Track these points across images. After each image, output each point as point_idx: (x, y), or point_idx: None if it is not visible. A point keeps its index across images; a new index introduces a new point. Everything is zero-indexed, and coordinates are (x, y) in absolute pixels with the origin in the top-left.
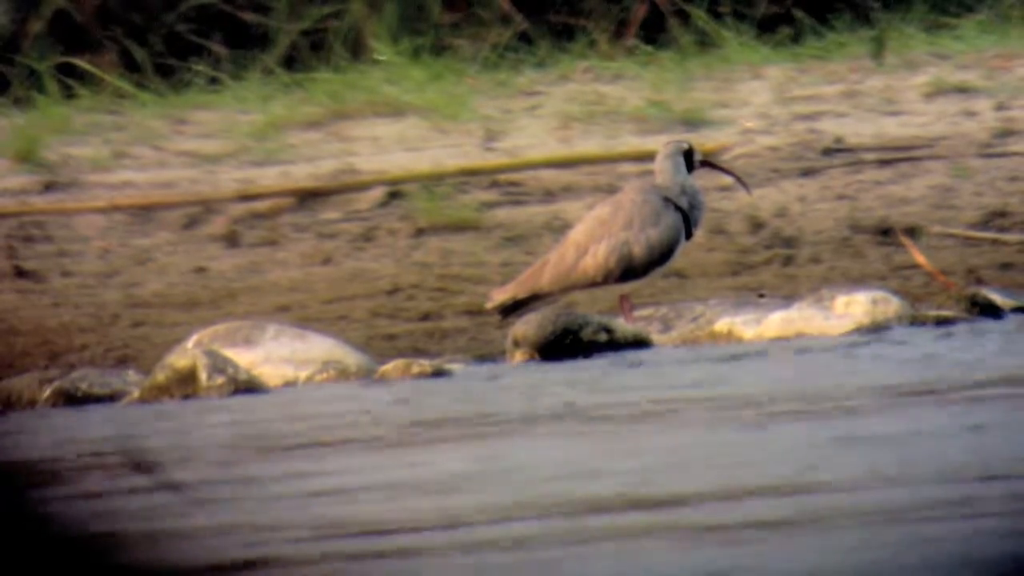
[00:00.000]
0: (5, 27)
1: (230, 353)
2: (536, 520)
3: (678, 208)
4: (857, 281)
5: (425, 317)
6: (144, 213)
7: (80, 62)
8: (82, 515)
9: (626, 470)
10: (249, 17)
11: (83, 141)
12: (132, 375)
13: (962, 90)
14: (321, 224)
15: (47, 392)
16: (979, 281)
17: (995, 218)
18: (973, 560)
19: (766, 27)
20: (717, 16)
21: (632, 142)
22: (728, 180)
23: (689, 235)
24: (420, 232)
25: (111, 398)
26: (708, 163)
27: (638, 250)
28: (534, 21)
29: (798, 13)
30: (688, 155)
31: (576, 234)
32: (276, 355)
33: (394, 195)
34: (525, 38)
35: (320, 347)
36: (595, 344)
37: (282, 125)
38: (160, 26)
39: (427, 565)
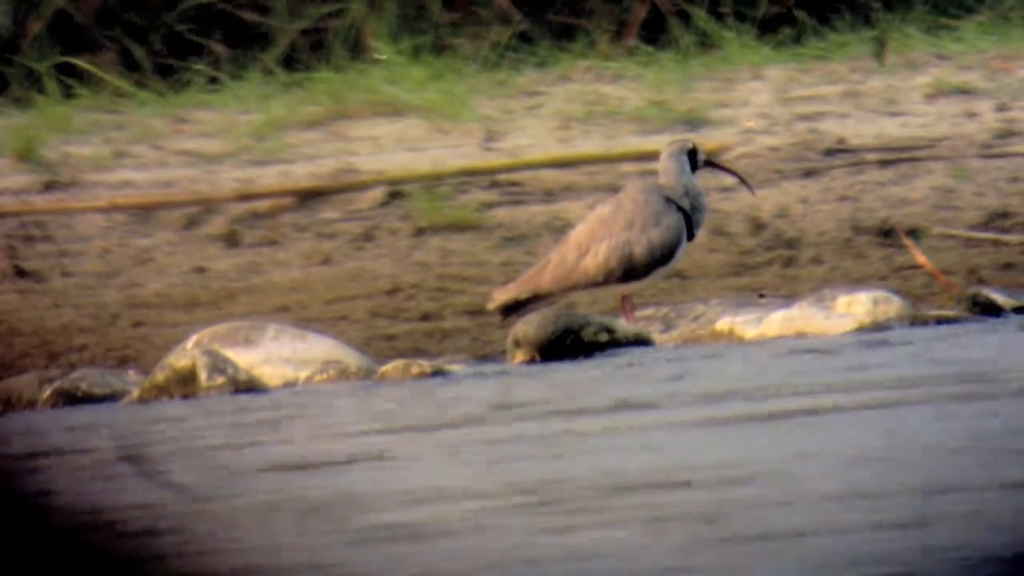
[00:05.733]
0: (5, 27)
1: (230, 353)
2: None
3: (680, 208)
4: (858, 282)
5: (425, 317)
6: (144, 213)
7: (80, 62)
8: (81, 515)
9: None
10: (249, 17)
11: (83, 141)
12: (132, 375)
13: (963, 91)
14: (321, 224)
15: (47, 392)
16: (980, 281)
17: (996, 219)
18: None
19: (767, 27)
20: (718, 16)
21: (632, 142)
22: (730, 180)
23: (691, 236)
24: (420, 232)
25: (111, 398)
26: (712, 163)
27: (639, 250)
28: (534, 21)
29: (799, 13)
30: (692, 155)
31: (577, 234)
32: (276, 355)
33: (394, 195)
34: (525, 38)
35: (320, 347)
36: (596, 344)
37: (282, 125)
38: (160, 26)
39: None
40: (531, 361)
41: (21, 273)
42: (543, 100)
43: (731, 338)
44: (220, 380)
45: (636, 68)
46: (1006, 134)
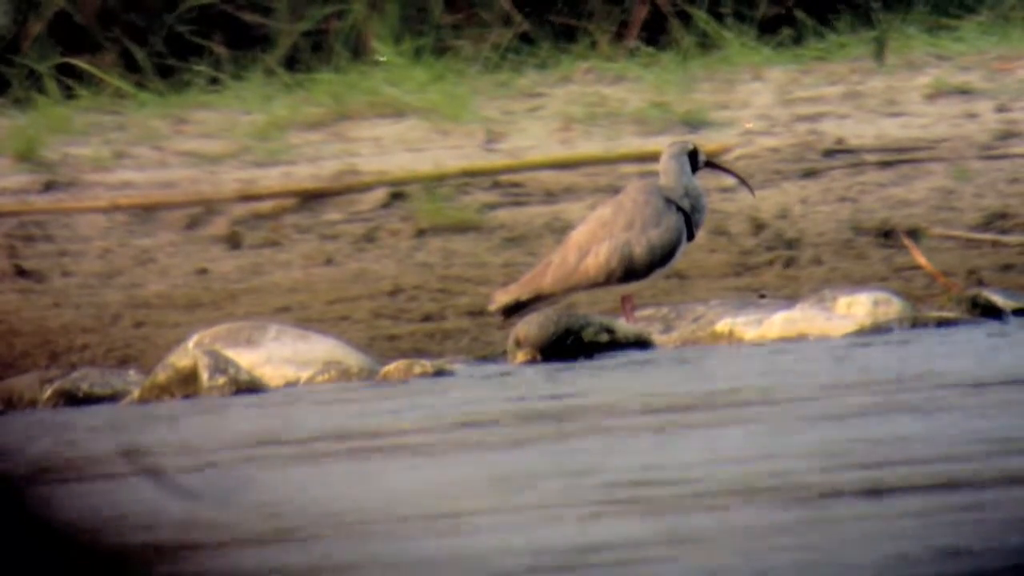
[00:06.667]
0: (5, 28)
1: (231, 353)
2: None
3: (680, 209)
4: (859, 282)
5: (427, 318)
6: (145, 213)
7: (80, 62)
8: (82, 516)
9: None
10: (250, 17)
11: (84, 141)
12: (133, 375)
13: (963, 91)
14: (323, 225)
15: (48, 392)
16: (980, 282)
17: (996, 219)
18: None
19: (767, 28)
20: (718, 17)
21: (633, 143)
22: (730, 181)
23: (691, 236)
24: (422, 233)
25: (112, 398)
26: (712, 164)
27: (639, 251)
28: (535, 22)
29: (799, 14)
30: (693, 156)
31: (578, 235)
32: (278, 356)
33: (396, 196)
34: (526, 39)
35: (322, 348)
36: (597, 344)
37: (283, 126)
38: (160, 26)
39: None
40: (532, 361)
41: (22, 273)
42: (544, 101)
43: (731, 339)
44: (221, 380)
45: (637, 69)
46: (1006, 135)
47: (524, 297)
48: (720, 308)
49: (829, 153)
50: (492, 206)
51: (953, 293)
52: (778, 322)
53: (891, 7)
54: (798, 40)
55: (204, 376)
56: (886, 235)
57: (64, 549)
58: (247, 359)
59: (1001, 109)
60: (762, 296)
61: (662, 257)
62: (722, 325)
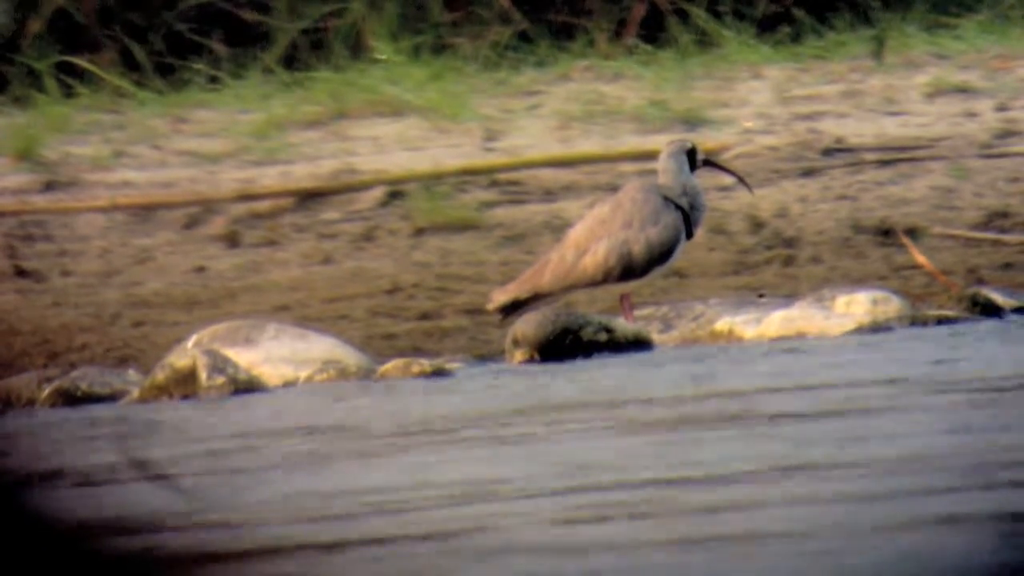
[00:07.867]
0: (5, 26)
1: (230, 353)
2: None
3: (678, 207)
4: (858, 281)
5: (425, 317)
6: (144, 212)
7: (80, 61)
8: (81, 515)
9: None
10: (249, 16)
11: (83, 140)
12: (132, 375)
13: (963, 90)
14: (321, 224)
15: (47, 392)
16: (980, 281)
17: (996, 218)
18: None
19: (766, 26)
20: (717, 15)
21: (632, 141)
22: (729, 179)
23: (690, 235)
24: (420, 232)
25: (111, 398)
26: (711, 162)
27: (638, 249)
28: (534, 20)
29: (798, 12)
30: (691, 154)
31: (576, 233)
32: (276, 355)
33: (394, 195)
34: (525, 37)
35: (320, 347)
36: (595, 344)
37: (282, 124)
38: (160, 25)
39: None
40: (530, 360)
41: (21, 272)
42: (543, 99)
43: (730, 338)
44: (220, 380)
45: (635, 67)
46: (1006, 134)
47: (522, 296)
48: (719, 307)
49: (828, 152)
50: (490, 204)
51: (953, 292)
52: (777, 321)
53: (890, 6)
54: (797, 38)
55: (203, 376)
56: (885, 234)
57: (62, 550)
58: (246, 358)
59: (1001, 108)
60: (761, 295)
61: (660, 255)
62: (721, 324)
